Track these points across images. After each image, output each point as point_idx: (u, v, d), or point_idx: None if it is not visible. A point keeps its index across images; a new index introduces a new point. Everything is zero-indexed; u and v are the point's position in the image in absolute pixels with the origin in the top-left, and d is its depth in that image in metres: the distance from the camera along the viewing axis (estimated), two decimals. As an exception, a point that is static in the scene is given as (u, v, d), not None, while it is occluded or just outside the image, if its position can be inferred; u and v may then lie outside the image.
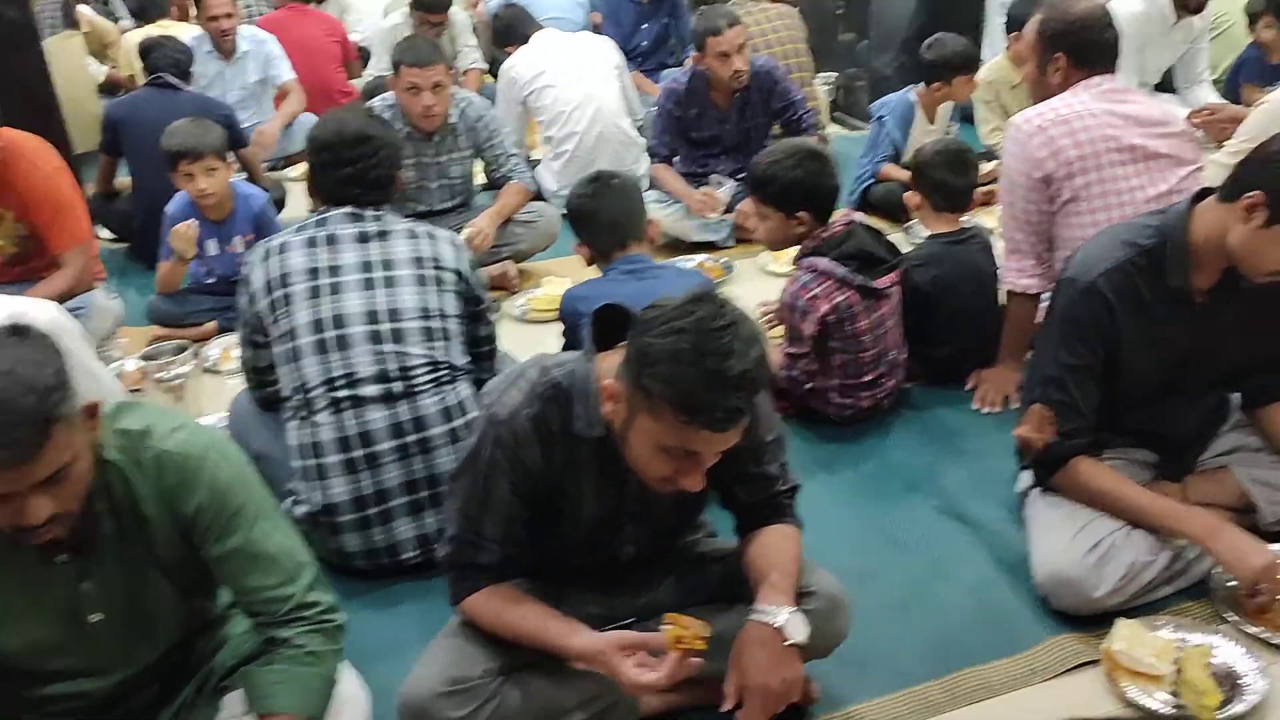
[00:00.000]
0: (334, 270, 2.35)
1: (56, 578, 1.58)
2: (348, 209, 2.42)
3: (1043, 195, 2.77)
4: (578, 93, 4.48)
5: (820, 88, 5.78)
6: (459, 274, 2.46)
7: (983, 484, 2.59)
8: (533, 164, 4.65)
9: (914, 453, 2.80)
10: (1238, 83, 4.95)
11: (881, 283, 2.75)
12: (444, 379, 2.37)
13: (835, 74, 5.89)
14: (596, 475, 1.77)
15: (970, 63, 4.11)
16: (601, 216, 2.64)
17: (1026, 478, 2.38)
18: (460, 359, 2.42)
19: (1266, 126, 3.03)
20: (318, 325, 2.32)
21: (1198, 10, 4.51)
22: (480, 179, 4.22)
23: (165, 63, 4.31)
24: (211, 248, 3.74)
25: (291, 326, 2.34)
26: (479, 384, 2.51)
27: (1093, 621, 2.11)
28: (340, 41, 6.28)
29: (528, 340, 3.25)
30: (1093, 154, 2.71)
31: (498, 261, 3.96)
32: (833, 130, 5.63)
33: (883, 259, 2.77)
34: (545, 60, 4.55)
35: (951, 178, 3.04)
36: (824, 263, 2.73)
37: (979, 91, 4.48)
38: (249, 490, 1.66)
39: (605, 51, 4.67)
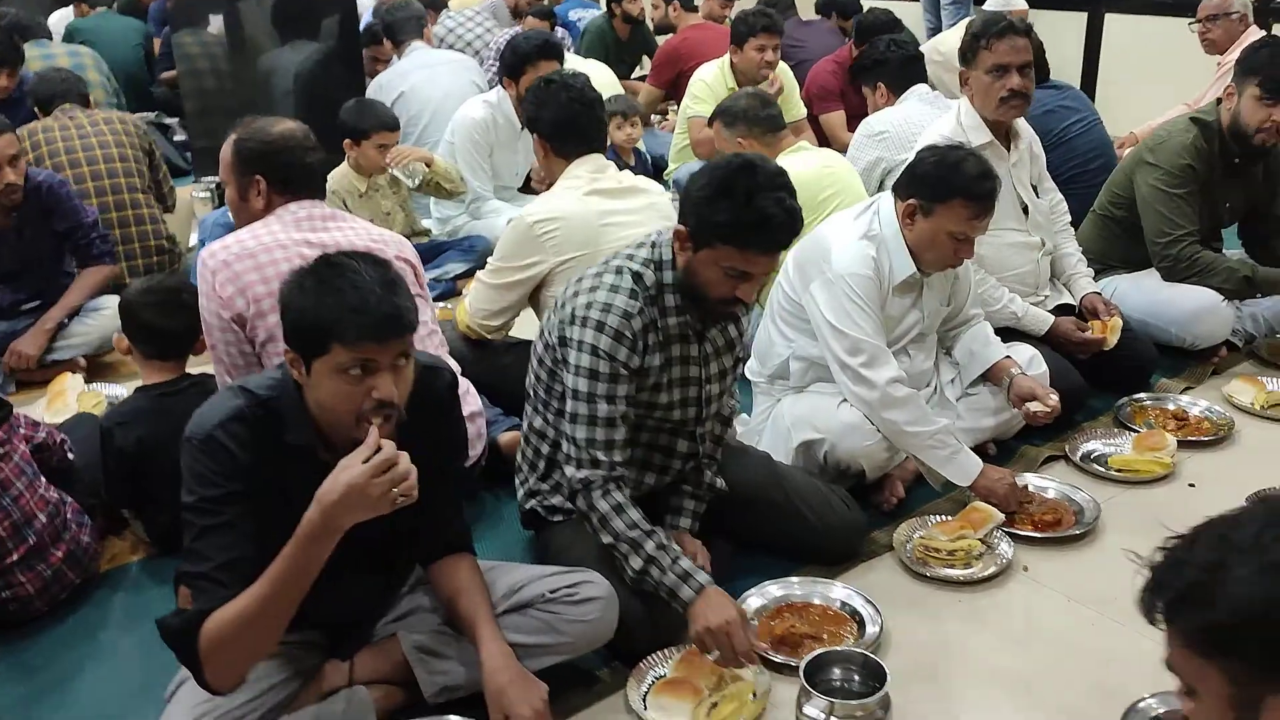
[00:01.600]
0: None
1: None
2: None
3: (240, 336, 2.47)
4: None
5: (199, 194, 5.35)
6: None
7: (145, 690, 2.15)
8: None
9: (82, 658, 2.33)
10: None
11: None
12: None
13: (215, 177, 5.46)
14: None
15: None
16: None
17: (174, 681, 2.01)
18: None
19: (503, 249, 3.00)
20: None
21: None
22: None
23: None
24: None
25: None
26: None
27: None
28: None
29: None
30: (283, 290, 2.46)
31: None
32: None
33: None
34: None
35: (159, 320, 2.67)
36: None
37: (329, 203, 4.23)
38: None
39: None
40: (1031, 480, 2.83)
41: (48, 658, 2.32)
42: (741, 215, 2.05)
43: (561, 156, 3.08)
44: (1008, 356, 2.91)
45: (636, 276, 2.22)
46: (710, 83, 4.99)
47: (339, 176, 4.26)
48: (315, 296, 1.73)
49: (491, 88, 4.92)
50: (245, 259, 2.46)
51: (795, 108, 5.21)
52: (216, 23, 5.53)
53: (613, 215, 2.98)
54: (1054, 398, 2.77)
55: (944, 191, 2.59)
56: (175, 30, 5.76)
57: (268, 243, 2.49)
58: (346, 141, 4.17)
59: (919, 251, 2.69)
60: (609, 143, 5.00)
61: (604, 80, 5.42)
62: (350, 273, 1.74)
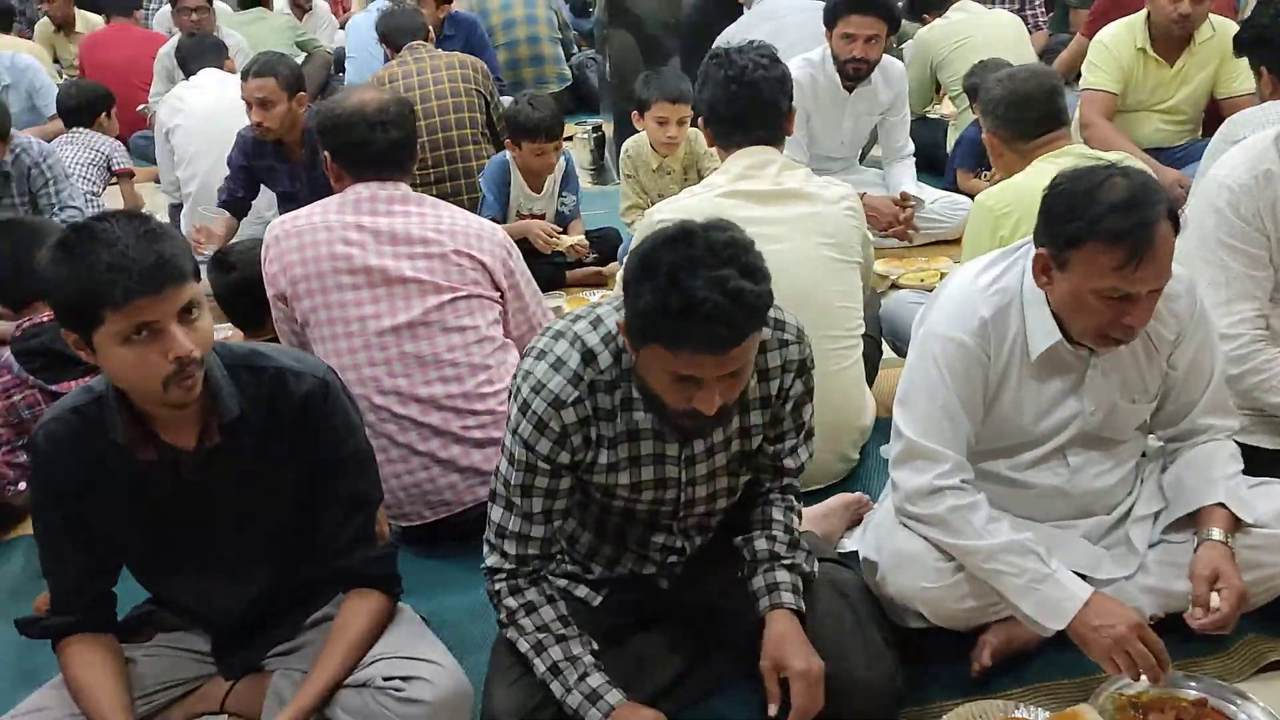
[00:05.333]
0: None
1: None
2: None
3: (287, 314, 2.44)
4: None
5: (580, 135, 5.43)
6: None
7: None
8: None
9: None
10: (954, 165, 4.34)
11: (65, 387, 2.48)
12: None
13: (598, 120, 5.47)
14: None
15: (535, 131, 3.69)
16: None
17: None
18: None
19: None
20: None
21: (856, 79, 3.95)
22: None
23: None
24: None
25: None
26: None
27: None
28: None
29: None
30: (317, 274, 2.37)
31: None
32: (593, 189, 5.17)
33: (77, 361, 2.46)
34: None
35: None
36: (7, 356, 2.53)
37: (622, 164, 4.03)
38: None
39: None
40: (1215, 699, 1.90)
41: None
42: (663, 303, 1.54)
43: (720, 146, 2.61)
44: (1220, 504, 1.95)
45: (589, 356, 1.76)
46: (1110, 45, 3.94)
47: (640, 143, 3.99)
48: (68, 267, 1.57)
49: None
50: (292, 237, 2.39)
51: (1235, 78, 3.93)
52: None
53: (749, 225, 2.44)
54: (1217, 599, 1.82)
55: (1074, 232, 1.78)
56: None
57: (316, 223, 2.40)
58: (634, 113, 3.91)
59: (1066, 321, 1.89)
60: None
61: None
62: (100, 233, 1.57)
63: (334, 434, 1.87)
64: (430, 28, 4.75)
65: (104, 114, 5.03)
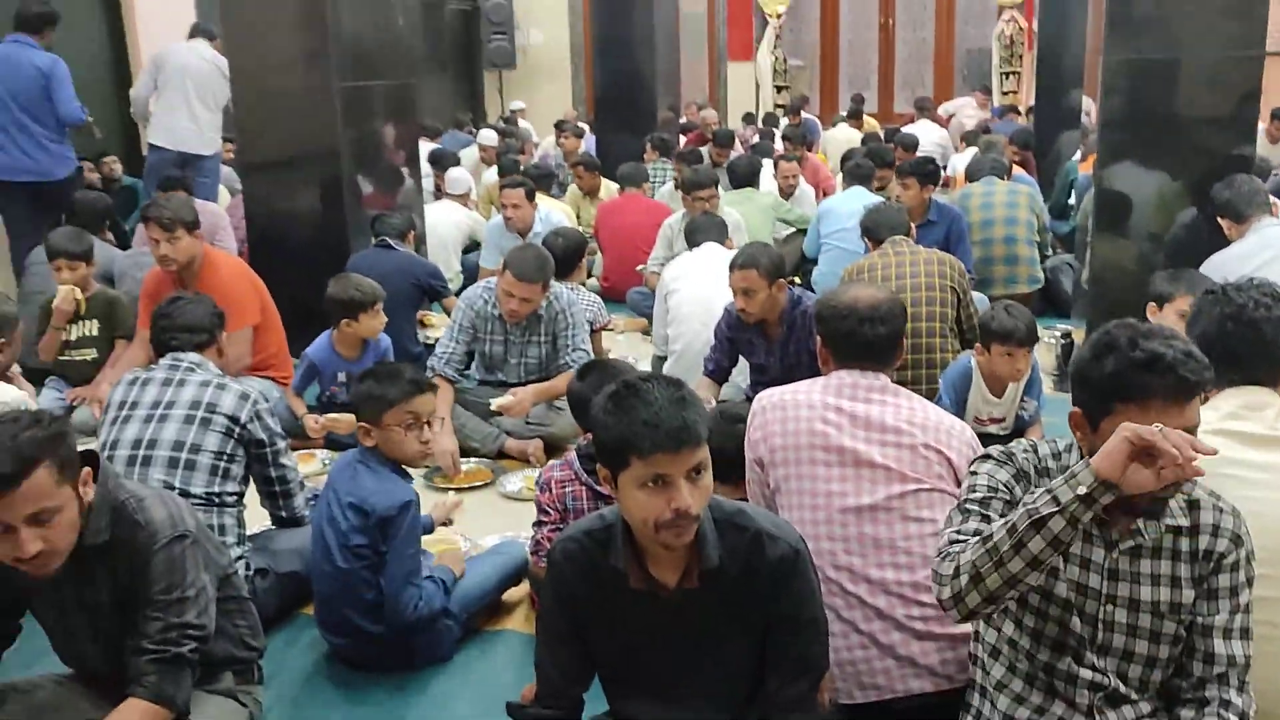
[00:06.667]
0: (130, 405, 3.07)
1: None
2: (169, 358, 3.16)
3: (760, 478, 2.67)
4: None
5: (1047, 339, 5.34)
6: (234, 420, 3.04)
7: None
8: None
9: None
10: None
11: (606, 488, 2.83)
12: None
13: (1067, 325, 5.34)
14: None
15: (1009, 337, 3.73)
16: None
17: None
18: (200, 487, 2.94)
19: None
20: (105, 445, 3.03)
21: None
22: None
23: (385, 229, 5.47)
24: (342, 378, 4.67)
25: (99, 444, 3.05)
26: (277, 520, 3.12)
27: None
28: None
29: (508, 517, 3.73)
30: (794, 446, 2.58)
31: (531, 439, 4.42)
32: (1056, 395, 5.05)
33: None
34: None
35: None
36: (572, 456, 3.05)
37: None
38: None
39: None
40: None
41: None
42: (1129, 359, 1.84)
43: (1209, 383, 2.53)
44: None
45: (1031, 446, 2.10)
46: None
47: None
48: (614, 415, 1.90)
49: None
50: (778, 409, 2.62)
51: None
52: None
53: (1235, 466, 2.34)
54: None
55: None
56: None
57: (800, 399, 2.62)
58: (1150, 305, 3.84)
59: None
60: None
61: None
62: (643, 392, 1.89)
63: (798, 598, 2.04)
64: (911, 224, 4.99)
65: (579, 261, 5.42)
